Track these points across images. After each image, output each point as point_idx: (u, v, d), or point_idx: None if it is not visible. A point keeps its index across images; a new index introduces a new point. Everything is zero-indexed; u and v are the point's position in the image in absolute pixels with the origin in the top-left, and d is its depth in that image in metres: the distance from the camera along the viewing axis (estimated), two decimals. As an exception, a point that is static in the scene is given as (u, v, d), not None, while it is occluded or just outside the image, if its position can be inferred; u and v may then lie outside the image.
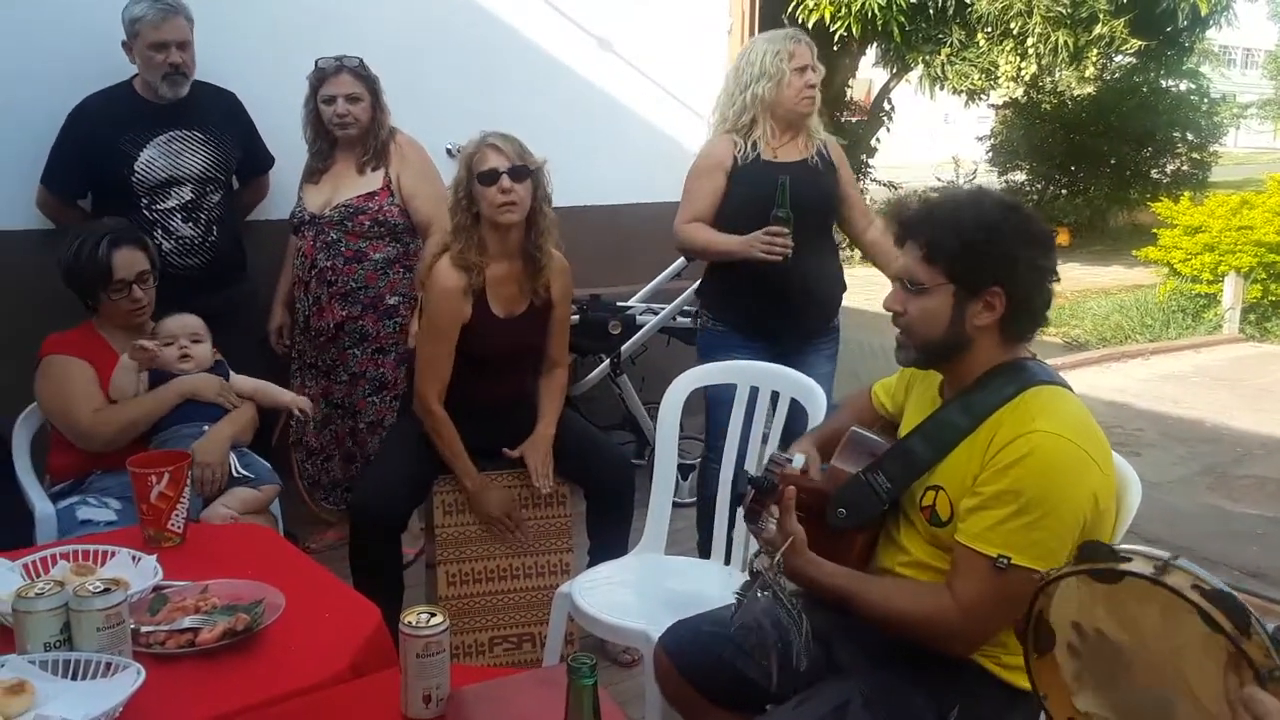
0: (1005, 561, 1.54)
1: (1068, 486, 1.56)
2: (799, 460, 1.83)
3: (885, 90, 12.84)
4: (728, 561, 2.56)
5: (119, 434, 2.48)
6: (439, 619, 1.37)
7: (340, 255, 3.18)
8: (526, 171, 2.55)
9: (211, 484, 2.48)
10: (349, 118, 3.16)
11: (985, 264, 1.64)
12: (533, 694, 1.31)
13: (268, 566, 1.86)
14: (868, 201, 3.84)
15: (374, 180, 3.21)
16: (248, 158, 3.37)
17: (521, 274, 2.67)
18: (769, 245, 2.81)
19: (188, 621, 1.60)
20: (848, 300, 3.21)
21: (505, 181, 2.51)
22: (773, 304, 2.97)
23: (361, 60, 3.17)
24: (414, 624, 1.36)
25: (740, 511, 1.86)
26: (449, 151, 3.96)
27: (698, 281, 3.76)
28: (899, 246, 1.74)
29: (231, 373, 2.72)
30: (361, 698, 1.46)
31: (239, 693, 1.48)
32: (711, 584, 2.41)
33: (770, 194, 2.85)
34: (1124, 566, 1.11)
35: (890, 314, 1.75)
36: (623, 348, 3.95)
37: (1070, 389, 1.70)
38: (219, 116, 3.22)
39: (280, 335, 3.42)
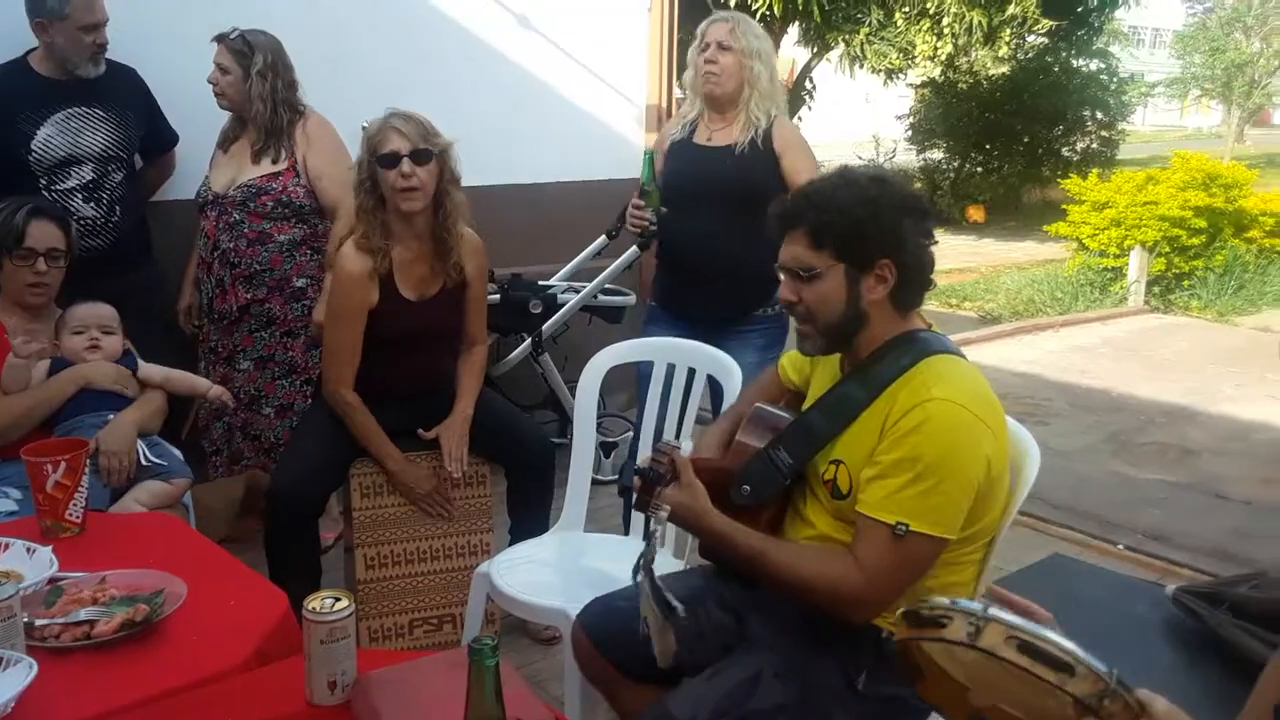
0: (904, 529, 1.58)
1: (963, 453, 1.60)
2: (687, 447, 1.84)
3: (807, 69, 12.96)
4: (645, 537, 2.57)
5: (12, 426, 2.40)
6: (344, 604, 1.35)
7: (244, 237, 3.10)
8: (429, 154, 2.49)
9: (119, 473, 2.41)
10: (217, 87, 3.10)
11: (872, 238, 1.66)
12: (440, 677, 1.30)
13: (171, 556, 1.82)
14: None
15: (278, 162, 3.13)
16: (151, 135, 3.26)
17: (432, 255, 2.64)
18: (633, 217, 3.02)
19: (84, 614, 1.56)
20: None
21: (406, 165, 2.46)
22: (688, 284, 3.00)
23: (242, 35, 3.07)
24: (317, 609, 1.35)
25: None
26: (365, 129, 3.89)
27: (619, 259, 3.78)
28: (779, 241, 1.75)
29: (141, 362, 2.65)
30: (265, 686, 1.43)
31: (138, 685, 1.45)
32: (630, 560, 2.37)
33: (691, 174, 2.95)
34: (942, 634, 1.14)
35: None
36: (544, 327, 3.93)
37: (965, 357, 1.74)
38: (119, 93, 3.12)
39: (188, 316, 3.33)
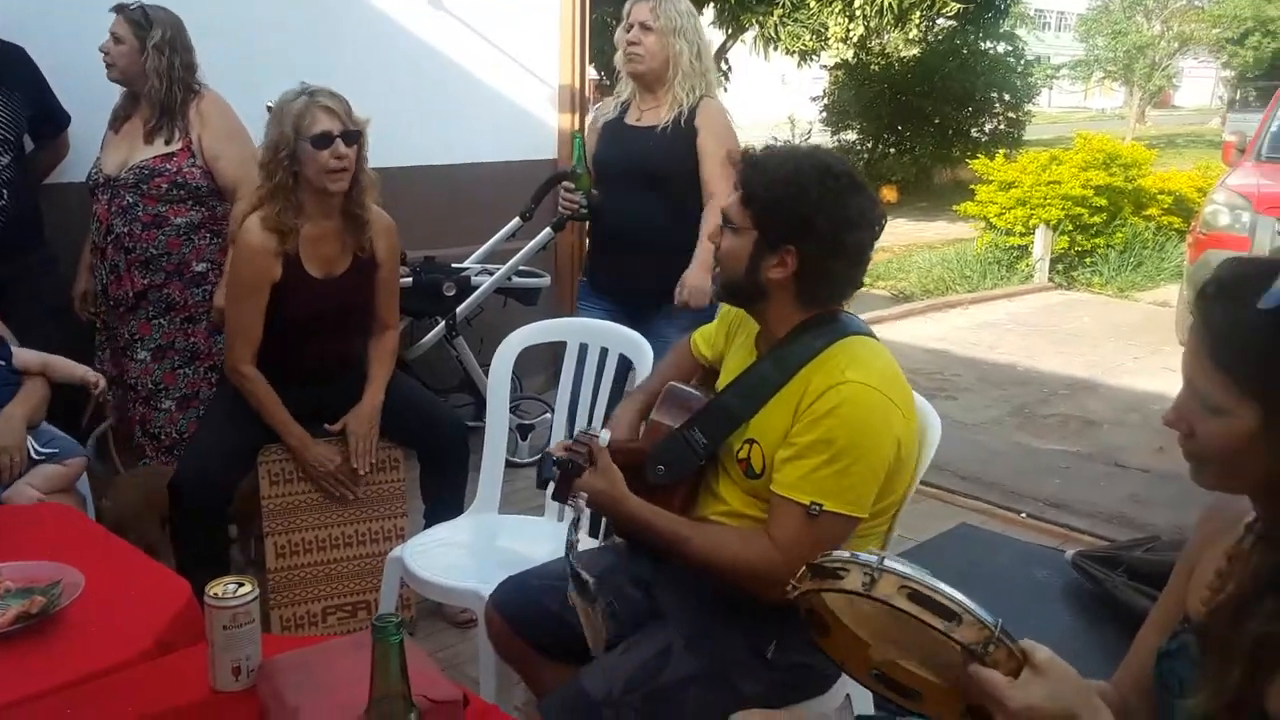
0: (818, 508, 1.61)
1: (875, 434, 1.64)
2: (605, 436, 1.85)
3: (722, 50, 13.01)
4: (561, 518, 2.58)
5: None
6: (247, 588, 1.34)
7: (138, 220, 3.01)
8: (357, 135, 2.49)
9: (8, 470, 2.34)
10: (109, 57, 3.01)
11: (782, 221, 1.68)
12: (346, 659, 1.29)
13: (68, 547, 1.77)
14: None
15: (172, 143, 3.04)
16: (40, 116, 3.15)
17: (341, 232, 2.60)
18: (563, 200, 3.12)
19: (-23, 608, 1.51)
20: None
21: (340, 147, 2.44)
22: (615, 263, 3.04)
23: (143, 7, 2.98)
24: (219, 595, 1.33)
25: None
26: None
27: (533, 241, 3.77)
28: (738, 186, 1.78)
29: (16, 348, 2.55)
30: (168, 674, 1.41)
31: (36, 678, 1.42)
32: (544, 541, 2.42)
33: (618, 154, 3.03)
34: (840, 585, 1.18)
35: None
36: (458, 309, 3.91)
37: (877, 339, 1.77)
38: (5, 73, 3.00)
39: (84, 302, 3.23)
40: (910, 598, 1.12)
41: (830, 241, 1.67)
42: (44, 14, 3.23)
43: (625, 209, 3.03)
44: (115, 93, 3.11)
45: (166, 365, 3.10)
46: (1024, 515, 3.90)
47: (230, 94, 3.16)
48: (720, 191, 2.91)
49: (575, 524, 1.81)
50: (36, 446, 2.40)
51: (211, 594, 1.34)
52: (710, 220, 2.88)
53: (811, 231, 1.66)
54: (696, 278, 2.91)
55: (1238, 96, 25.25)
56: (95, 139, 3.19)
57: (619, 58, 3.06)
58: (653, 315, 3.01)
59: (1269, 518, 1.12)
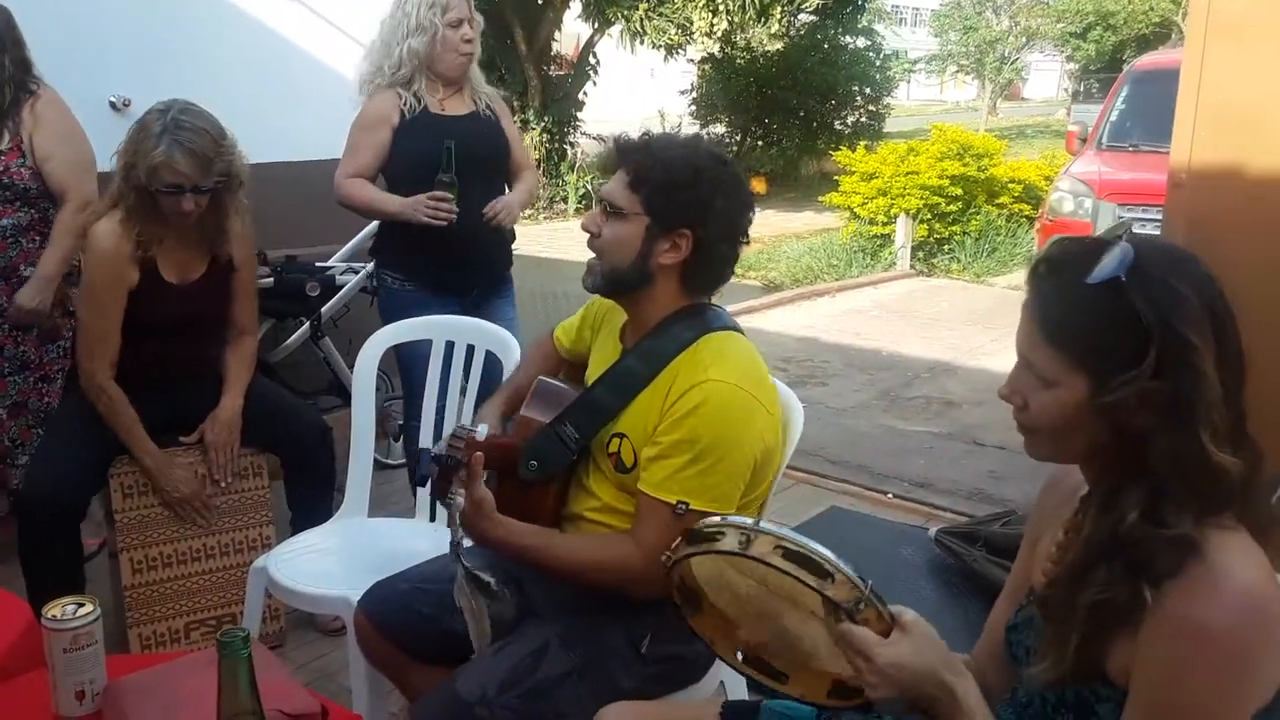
0: (684, 507, 1.61)
1: (739, 432, 1.65)
2: (483, 430, 1.83)
3: (590, 44, 13.01)
4: (433, 518, 2.54)
5: None
6: (88, 609, 1.27)
7: None
8: (209, 189, 2.41)
9: None
10: None
11: (681, 203, 1.67)
12: (196, 676, 1.23)
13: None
14: (579, 155, 3.83)
15: (0, 141, 2.87)
16: None
17: (198, 239, 2.52)
18: (433, 211, 2.82)
19: None
20: (526, 250, 3.29)
21: (188, 201, 2.38)
22: (454, 260, 2.96)
23: None
24: (58, 617, 1.26)
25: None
26: (112, 104, 3.62)
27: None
28: (608, 174, 1.75)
29: None
30: (8, 701, 1.33)
31: None
32: (416, 543, 2.37)
33: (440, 150, 2.82)
34: (717, 546, 1.21)
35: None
36: (323, 309, 3.80)
37: (742, 333, 1.79)
38: None
39: None
40: (785, 556, 1.15)
41: (727, 224, 1.70)
42: None
43: (471, 198, 2.89)
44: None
45: (-5, 374, 2.94)
46: (890, 495, 4.02)
47: (68, 87, 3.00)
48: (532, 170, 3.18)
49: (456, 523, 1.77)
50: None
51: (49, 616, 1.27)
52: (528, 188, 3.13)
53: (708, 215, 1.67)
54: (512, 197, 3.01)
55: (1081, 88, 26.62)
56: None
57: (422, 47, 2.89)
58: (493, 300, 3.05)
59: (1098, 488, 1.17)
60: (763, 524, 1.19)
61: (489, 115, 3.03)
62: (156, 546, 2.60)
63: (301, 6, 4.22)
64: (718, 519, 1.24)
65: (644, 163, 1.69)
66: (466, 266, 3.00)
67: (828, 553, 1.16)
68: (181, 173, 2.35)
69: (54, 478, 2.45)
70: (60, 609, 1.27)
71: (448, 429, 2.45)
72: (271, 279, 3.62)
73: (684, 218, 1.68)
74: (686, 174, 1.67)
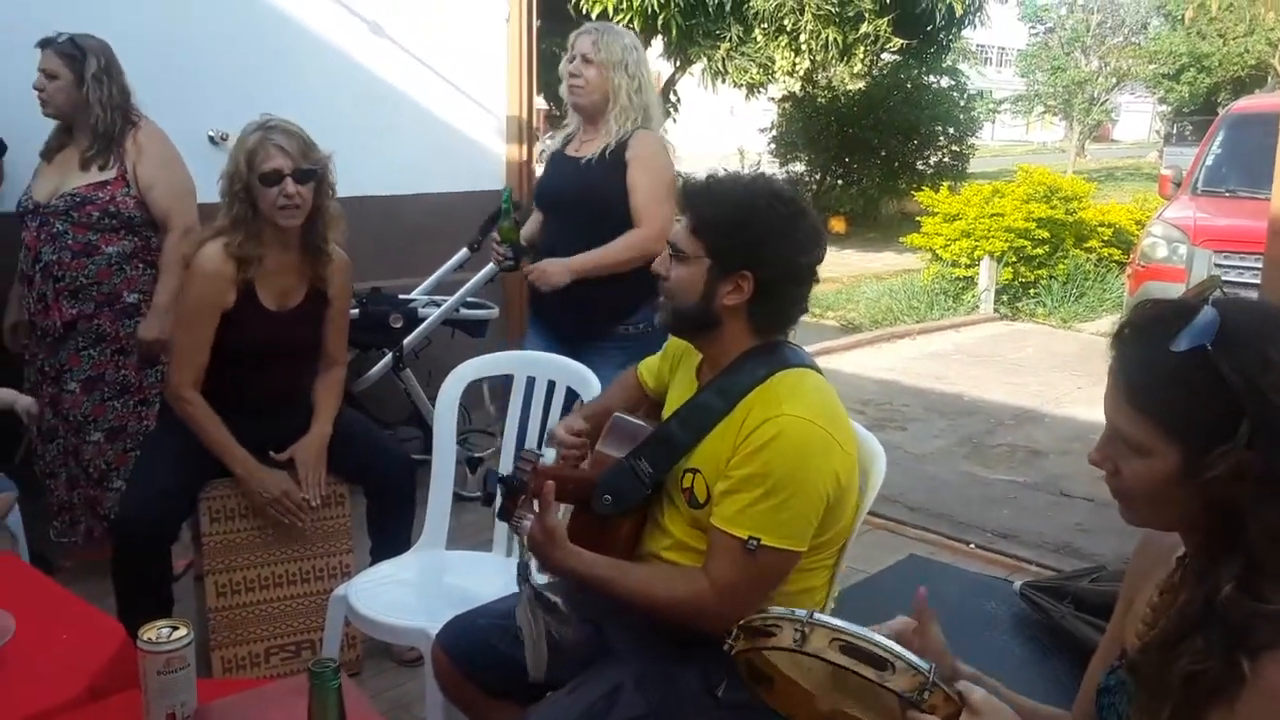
0: (755, 543, 1.60)
1: (812, 468, 1.63)
2: (550, 455, 1.84)
3: (671, 82, 13.13)
4: (510, 553, 2.55)
5: None
6: (181, 632, 1.30)
7: (67, 248, 2.96)
8: (312, 174, 2.46)
9: None
10: (44, 94, 2.98)
11: (737, 245, 1.68)
12: (284, 704, 1.26)
13: (-3, 589, 1.71)
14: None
15: (106, 170, 3.00)
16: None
17: (299, 266, 2.59)
18: (493, 251, 3.15)
19: (-101, 654, 1.46)
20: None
21: (290, 186, 2.43)
22: (545, 298, 3.00)
23: (72, 39, 2.95)
24: (153, 640, 1.29)
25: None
26: (211, 138, 3.76)
27: (480, 273, 3.75)
28: (681, 214, 1.78)
29: None
30: (99, 721, 1.37)
31: (-40, 728, 1.36)
32: (493, 577, 2.38)
33: (552, 185, 3.05)
34: (773, 642, 1.20)
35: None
36: (405, 341, 3.87)
37: (819, 371, 1.78)
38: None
39: (15, 334, 3.16)
40: (843, 650, 1.14)
41: (785, 265, 1.70)
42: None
43: (556, 240, 3.02)
44: (46, 121, 3.06)
45: (96, 397, 3.05)
46: (972, 545, 3.93)
47: (168, 121, 3.13)
48: (648, 224, 2.93)
49: (524, 545, 1.78)
50: None
51: (145, 638, 1.30)
52: (620, 244, 2.93)
53: (766, 255, 1.68)
54: (554, 267, 2.95)
55: (1174, 131, 25.98)
56: (27, 170, 3.14)
57: (564, 89, 3.07)
58: (588, 351, 2.98)
59: (1194, 555, 1.13)
60: (817, 616, 1.17)
61: (612, 159, 2.95)
62: (241, 571, 2.65)
63: (393, 45, 4.34)
64: (770, 613, 1.23)
65: (703, 206, 1.72)
66: (558, 309, 3.04)
67: (886, 641, 1.14)
68: (281, 149, 2.42)
69: (148, 502, 2.52)
70: (155, 631, 1.30)
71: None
72: (357, 310, 3.70)
73: (743, 260, 1.69)
74: (741, 216, 1.68)
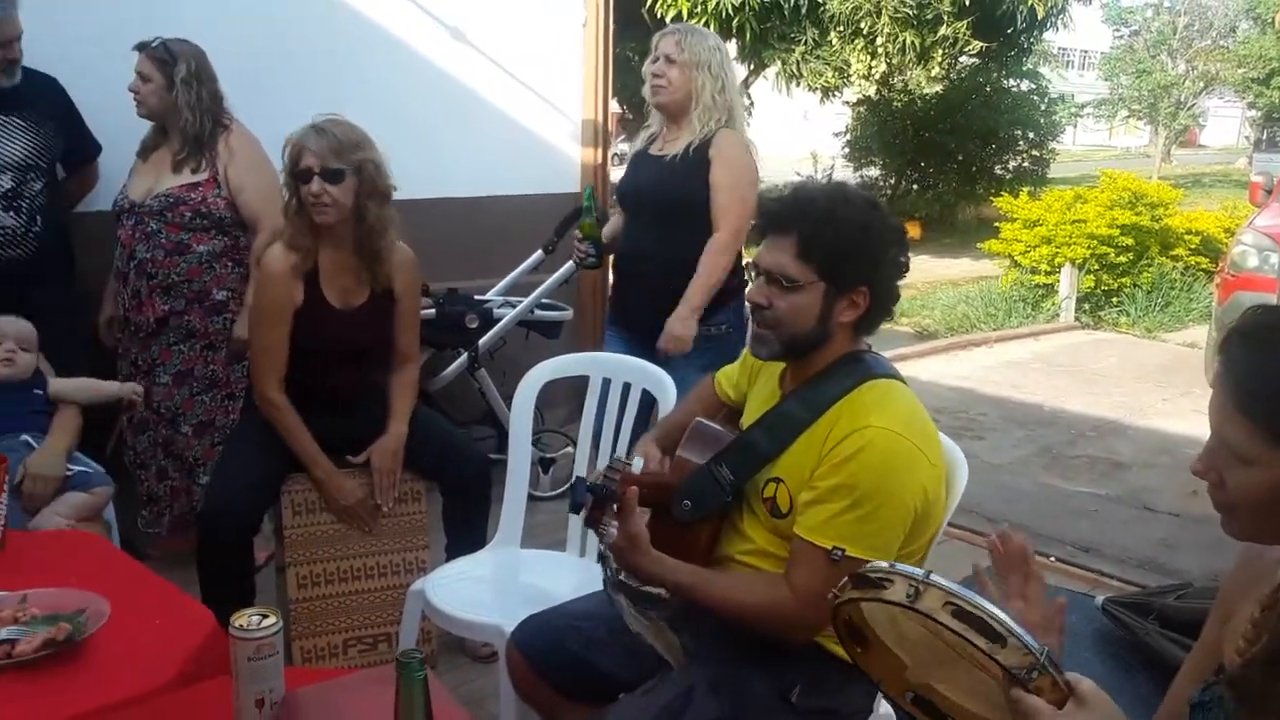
0: (840, 553, 1.59)
1: (900, 481, 1.62)
2: (639, 463, 1.84)
3: (744, 85, 13.08)
4: (584, 553, 2.56)
5: None
6: (271, 620, 1.33)
7: (160, 247, 3.06)
8: (341, 173, 2.48)
9: (43, 498, 2.38)
10: (138, 96, 3.07)
11: (857, 263, 1.67)
12: (368, 693, 1.28)
13: (94, 574, 1.77)
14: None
15: (199, 172, 3.09)
16: (72, 145, 3.20)
17: (356, 266, 2.62)
18: (575, 248, 3.21)
19: (5, 633, 1.52)
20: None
21: (315, 184, 2.47)
22: (632, 295, 3.04)
23: (164, 43, 3.04)
24: (244, 627, 1.32)
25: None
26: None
27: (555, 274, 3.78)
28: (761, 236, 1.74)
29: (51, 378, 2.59)
30: (190, 705, 1.41)
31: (61, 705, 1.42)
32: (567, 576, 2.41)
33: (635, 185, 3.09)
34: (884, 595, 1.15)
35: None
36: (480, 341, 3.92)
37: (904, 382, 1.76)
38: (40, 102, 3.06)
39: (110, 328, 3.27)
40: (955, 614, 1.09)
41: (896, 269, 1.72)
42: (72, 47, 3.28)
43: (640, 239, 3.07)
44: (143, 123, 3.16)
45: (185, 391, 3.14)
46: (1053, 559, 3.84)
47: (251, 123, 3.21)
48: (727, 225, 2.93)
49: (608, 555, 1.78)
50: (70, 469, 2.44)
51: (237, 625, 1.33)
52: (710, 261, 2.91)
53: (881, 267, 1.69)
54: (680, 326, 2.91)
55: (1264, 136, 25.18)
56: (123, 169, 3.24)
57: (646, 89, 3.09)
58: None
59: None
60: (933, 577, 1.14)
61: (695, 157, 2.97)
62: (321, 563, 2.71)
63: (472, 49, 4.40)
64: (885, 565, 1.20)
65: (808, 230, 1.67)
66: (638, 308, 3.07)
67: (1002, 614, 1.09)
68: (310, 149, 2.46)
69: (233, 496, 2.58)
70: (246, 619, 1.33)
71: (603, 461, 2.49)
72: (433, 310, 3.75)
73: (862, 277, 1.68)
74: (856, 234, 1.67)
